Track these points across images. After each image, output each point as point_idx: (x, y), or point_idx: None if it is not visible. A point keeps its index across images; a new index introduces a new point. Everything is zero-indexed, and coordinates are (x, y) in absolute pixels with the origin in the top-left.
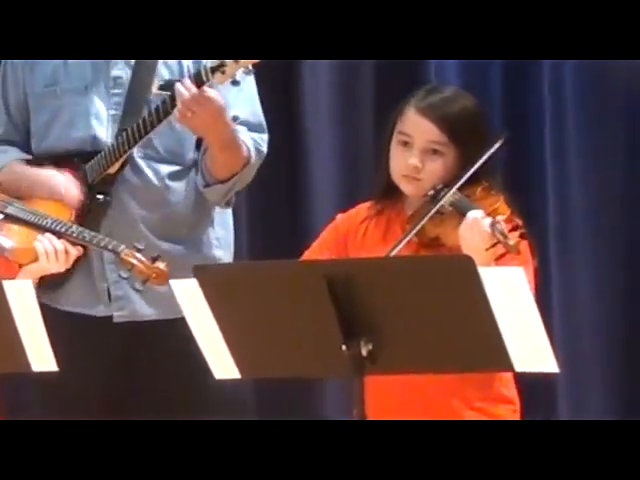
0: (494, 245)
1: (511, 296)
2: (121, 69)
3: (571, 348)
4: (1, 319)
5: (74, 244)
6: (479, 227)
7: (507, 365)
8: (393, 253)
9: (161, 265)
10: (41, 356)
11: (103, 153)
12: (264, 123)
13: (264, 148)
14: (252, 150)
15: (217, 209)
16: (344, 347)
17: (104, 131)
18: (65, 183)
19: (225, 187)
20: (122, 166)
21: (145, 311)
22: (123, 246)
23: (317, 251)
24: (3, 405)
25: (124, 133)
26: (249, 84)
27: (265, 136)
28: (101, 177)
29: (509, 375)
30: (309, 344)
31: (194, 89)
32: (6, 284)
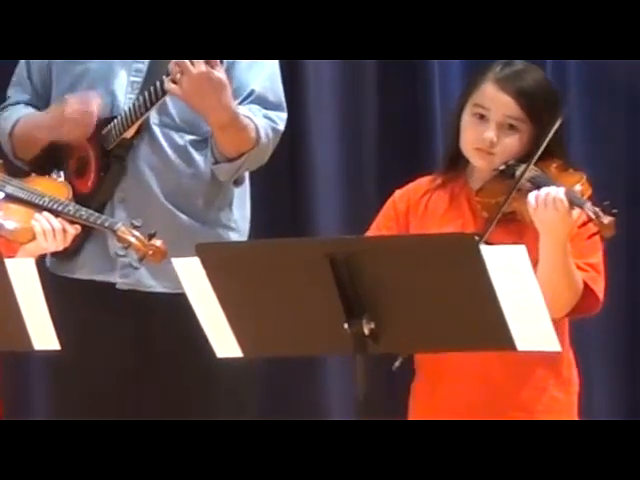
0: (585, 224)
1: (513, 275)
2: None
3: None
4: (3, 298)
5: (72, 222)
6: (557, 203)
7: (509, 344)
8: (488, 232)
9: (158, 242)
10: (43, 334)
11: (119, 117)
12: (283, 102)
13: (281, 126)
14: (263, 130)
15: (236, 191)
16: (346, 325)
17: (124, 97)
18: (89, 94)
19: (233, 166)
20: (138, 131)
21: (149, 282)
22: (120, 223)
23: (376, 231)
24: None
25: (140, 97)
26: (272, 63)
27: (283, 114)
28: (117, 141)
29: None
30: (311, 322)
31: (201, 66)
32: (8, 262)
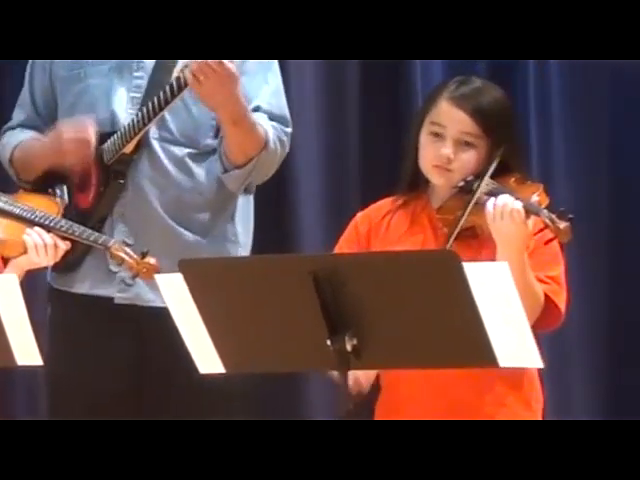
0: (541, 230)
1: (496, 292)
2: None
3: (554, 348)
4: None
5: (64, 238)
6: (513, 214)
7: (491, 360)
8: (449, 245)
9: (151, 260)
10: (26, 350)
11: (119, 132)
12: (288, 117)
13: (286, 139)
14: (271, 135)
15: (239, 205)
16: (329, 342)
17: (124, 113)
18: (84, 120)
19: (243, 172)
20: (138, 146)
21: (148, 296)
22: (113, 240)
23: (345, 247)
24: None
25: (139, 112)
26: (275, 78)
27: (289, 130)
28: (117, 157)
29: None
30: (294, 339)
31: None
32: None
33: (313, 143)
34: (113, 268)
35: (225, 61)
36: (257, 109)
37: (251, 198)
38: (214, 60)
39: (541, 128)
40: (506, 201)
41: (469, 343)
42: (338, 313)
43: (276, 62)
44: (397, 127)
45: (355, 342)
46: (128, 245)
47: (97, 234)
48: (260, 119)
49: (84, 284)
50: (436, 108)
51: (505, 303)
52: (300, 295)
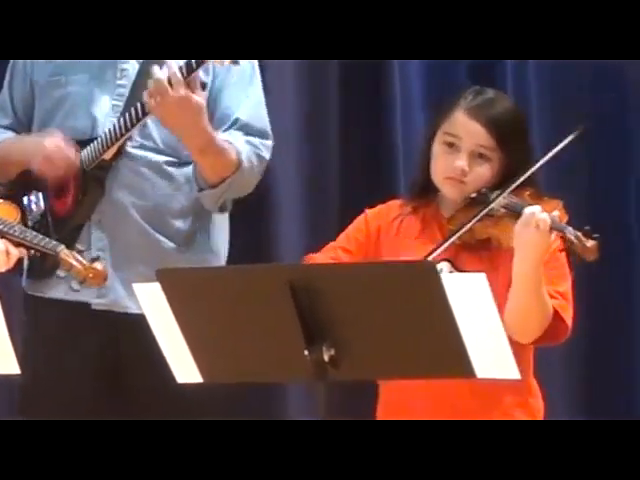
0: (566, 249)
1: (473, 303)
2: (129, 61)
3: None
4: None
5: (17, 245)
6: (539, 221)
7: (469, 371)
8: (436, 253)
9: (99, 266)
10: (3, 359)
11: (99, 139)
12: (268, 129)
13: (266, 154)
14: (245, 154)
15: (215, 214)
16: (306, 352)
17: (105, 120)
18: (64, 139)
19: (216, 192)
20: (118, 153)
21: (125, 302)
22: (62, 247)
23: (345, 241)
24: None
25: (121, 118)
26: (256, 91)
27: (268, 142)
28: (96, 163)
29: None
30: (272, 349)
31: (181, 89)
32: None
33: (291, 147)
34: (60, 273)
35: (191, 95)
36: (236, 121)
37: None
38: (180, 87)
39: None
40: (534, 210)
41: (447, 354)
42: (315, 323)
43: (258, 76)
44: (376, 127)
45: (333, 352)
46: (80, 252)
47: (47, 240)
48: (233, 137)
49: (57, 290)
50: (451, 119)
51: (483, 314)
52: (277, 305)
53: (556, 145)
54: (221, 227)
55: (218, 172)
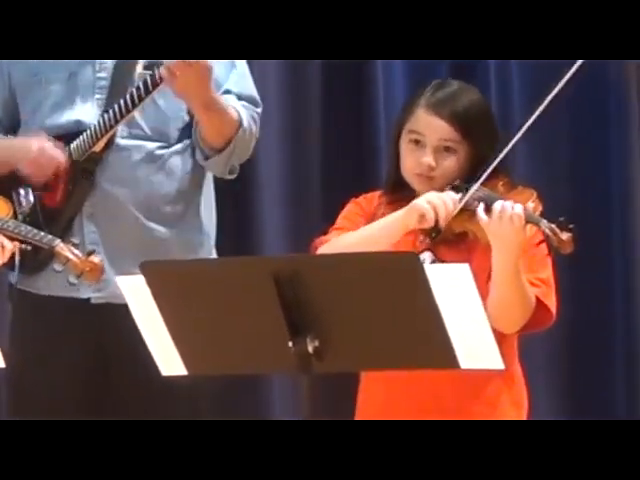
0: (542, 242)
1: (457, 293)
2: None
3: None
4: None
5: (11, 239)
6: (513, 216)
7: (453, 362)
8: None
9: (95, 259)
10: None
11: (88, 132)
12: (257, 98)
13: (258, 120)
14: (244, 114)
15: (203, 195)
16: (290, 343)
17: (89, 115)
18: (50, 142)
19: (224, 155)
20: (107, 145)
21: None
22: (58, 240)
23: (349, 223)
24: None
25: (110, 110)
26: (241, 63)
27: (259, 109)
28: (86, 155)
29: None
30: (256, 341)
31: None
32: None
33: (275, 144)
34: (57, 267)
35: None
36: (227, 92)
37: (212, 188)
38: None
39: (502, 128)
40: (506, 205)
41: (431, 345)
42: (300, 314)
43: None
44: (359, 127)
45: (317, 344)
46: (75, 245)
47: (43, 234)
48: (230, 101)
49: (55, 284)
50: (413, 116)
51: (466, 305)
52: (262, 297)
53: (520, 128)
54: (208, 207)
55: (222, 132)
